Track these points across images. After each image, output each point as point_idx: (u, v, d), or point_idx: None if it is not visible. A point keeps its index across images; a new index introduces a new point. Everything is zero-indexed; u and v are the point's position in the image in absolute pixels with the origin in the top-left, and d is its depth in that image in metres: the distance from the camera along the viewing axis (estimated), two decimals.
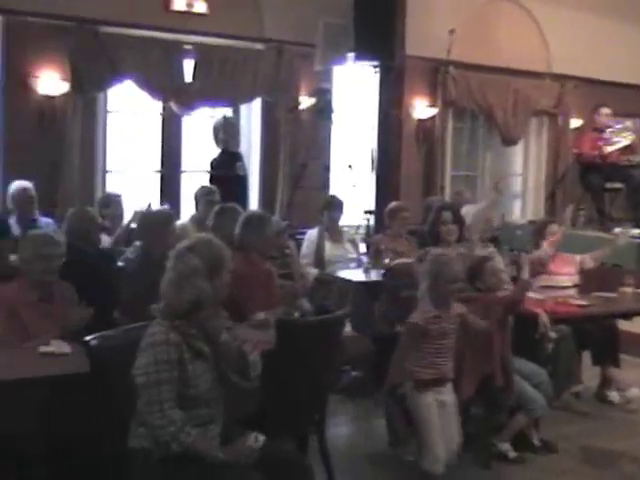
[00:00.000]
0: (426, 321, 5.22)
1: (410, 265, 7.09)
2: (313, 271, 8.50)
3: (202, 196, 8.76)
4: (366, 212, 10.82)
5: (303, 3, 11.01)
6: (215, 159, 10.28)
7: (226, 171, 9.99)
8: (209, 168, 10.24)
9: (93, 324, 5.13)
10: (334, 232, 9.09)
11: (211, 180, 9.92)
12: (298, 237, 9.21)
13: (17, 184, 8.38)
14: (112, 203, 8.56)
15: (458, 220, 7.03)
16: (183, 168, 11.24)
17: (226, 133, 10.34)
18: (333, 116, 11.34)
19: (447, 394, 5.32)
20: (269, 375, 4.27)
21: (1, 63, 9.59)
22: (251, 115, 11.52)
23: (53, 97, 9.75)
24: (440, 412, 5.21)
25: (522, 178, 14.52)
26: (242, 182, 10.33)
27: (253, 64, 11.06)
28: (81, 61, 9.82)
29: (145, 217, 6.40)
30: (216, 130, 10.38)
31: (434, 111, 12.56)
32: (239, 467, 3.77)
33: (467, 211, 8.39)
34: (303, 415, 5.20)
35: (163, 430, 3.71)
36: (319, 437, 5.29)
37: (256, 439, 3.82)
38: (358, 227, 10.69)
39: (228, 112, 11.12)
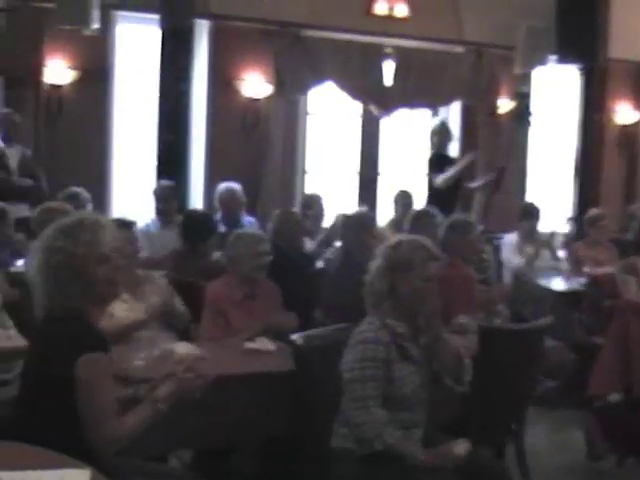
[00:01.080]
0: None
1: (613, 274, 6.93)
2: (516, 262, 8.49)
3: (399, 200, 8.84)
4: (566, 219, 10.63)
5: (503, 5, 10.86)
6: (430, 160, 10.37)
7: (436, 174, 10.02)
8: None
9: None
10: (532, 239, 8.95)
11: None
12: (495, 242, 9.12)
13: (226, 186, 8.59)
14: (314, 204, 8.69)
15: None
16: (381, 171, 11.30)
17: (441, 136, 10.36)
18: (532, 120, 11.16)
19: None
20: (470, 381, 4.25)
21: (208, 66, 9.91)
22: (449, 118, 11.47)
23: (257, 99, 10.04)
24: None
25: None
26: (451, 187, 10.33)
27: (452, 67, 11.04)
28: (284, 64, 10.06)
29: (346, 219, 6.46)
30: (432, 133, 10.44)
31: (638, 115, 12.17)
32: (440, 472, 3.76)
33: None
34: (502, 423, 5.15)
35: (366, 427, 3.73)
36: (517, 446, 5.21)
37: (462, 446, 3.80)
38: (556, 234, 10.48)
39: (441, 115, 11.17)
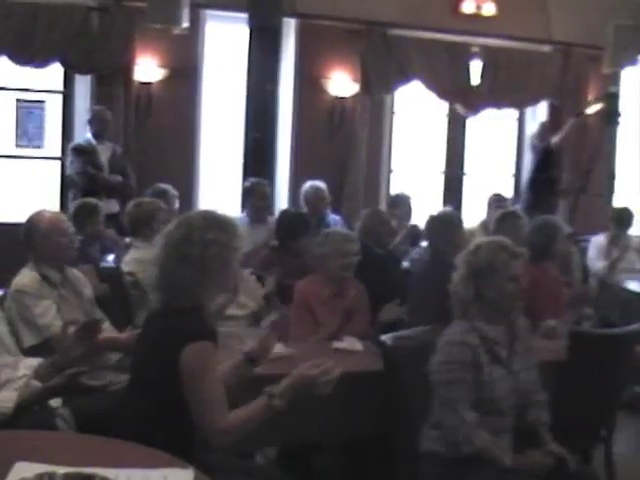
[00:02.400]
0: None
1: None
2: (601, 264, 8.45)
3: (492, 202, 8.79)
4: None
5: (592, 4, 10.72)
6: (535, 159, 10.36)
7: (541, 174, 9.98)
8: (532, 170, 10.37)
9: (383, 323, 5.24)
10: (619, 242, 8.83)
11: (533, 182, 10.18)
12: (582, 244, 9.02)
13: (311, 184, 8.63)
14: (401, 204, 8.66)
15: None
16: (467, 170, 11.26)
17: (539, 138, 10.35)
18: (620, 120, 11.01)
19: None
20: (558, 386, 4.21)
21: (294, 65, 9.97)
22: (536, 119, 11.37)
23: (343, 98, 10.07)
24: None
25: None
26: (555, 185, 10.31)
27: (540, 67, 10.96)
28: (371, 63, 10.09)
29: (434, 219, 6.43)
30: (533, 136, 10.45)
31: None
32: (529, 477, 3.72)
33: None
34: (590, 428, 5.08)
35: (455, 430, 3.71)
36: (605, 452, 5.13)
37: (550, 451, 3.77)
38: None
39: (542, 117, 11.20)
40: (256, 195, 8.14)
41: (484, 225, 8.40)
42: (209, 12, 9.73)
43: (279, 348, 4.68)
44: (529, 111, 11.43)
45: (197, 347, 3.18)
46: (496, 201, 8.80)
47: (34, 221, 4.80)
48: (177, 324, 3.27)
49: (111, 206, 8.18)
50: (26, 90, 9.65)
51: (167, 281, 3.35)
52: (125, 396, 3.51)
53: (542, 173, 10.25)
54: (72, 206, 7.10)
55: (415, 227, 8.19)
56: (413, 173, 11.05)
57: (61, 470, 2.35)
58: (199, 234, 3.32)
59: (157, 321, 3.39)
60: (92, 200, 7.06)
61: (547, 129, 10.59)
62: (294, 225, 6.60)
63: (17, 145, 9.68)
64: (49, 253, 4.75)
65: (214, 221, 3.39)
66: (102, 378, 4.53)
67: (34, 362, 4.05)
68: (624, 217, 8.97)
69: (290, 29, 9.91)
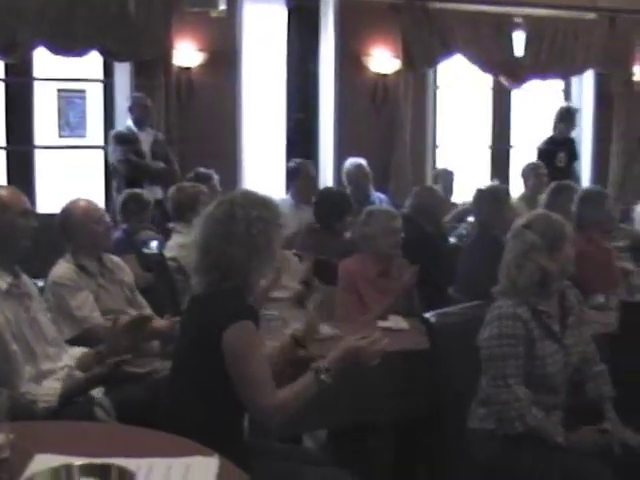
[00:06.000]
0: None
1: None
2: None
3: (530, 172, 8.54)
4: None
5: None
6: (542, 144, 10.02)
7: (548, 161, 9.64)
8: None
9: (429, 301, 5.15)
10: None
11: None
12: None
13: (351, 161, 8.60)
14: (443, 179, 8.55)
15: None
16: (513, 144, 11.11)
17: (562, 121, 10.02)
18: None
19: None
20: (611, 359, 4.10)
21: (335, 43, 9.87)
22: (582, 88, 11.20)
23: (385, 74, 9.96)
24: None
25: None
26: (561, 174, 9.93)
27: (584, 35, 10.77)
28: (412, 38, 9.98)
29: (480, 193, 6.32)
30: (556, 116, 10.11)
31: None
32: (584, 455, 3.61)
33: None
34: None
35: (508, 406, 3.61)
36: None
37: (602, 430, 3.67)
38: None
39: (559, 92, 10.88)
40: (302, 175, 8.09)
41: (525, 197, 8.16)
42: None
43: (325, 329, 4.62)
44: (575, 81, 11.22)
45: (239, 327, 3.12)
46: (532, 169, 8.51)
47: (69, 211, 4.81)
48: (217, 307, 3.21)
49: (154, 192, 8.14)
50: (66, 80, 9.65)
51: (210, 262, 3.28)
52: (168, 384, 3.46)
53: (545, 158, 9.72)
54: (121, 196, 7.06)
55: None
56: (459, 148, 10.91)
57: (78, 462, 2.30)
58: (242, 211, 3.25)
59: (198, 305, 3.34)
60: (142, 194, 6.99)
61: (564, 117, 10.11)
62: (338, 204, 6.52)
63: (60, 135, 9.70)
64: (85, 242, 4.74)
65: (256, 199, 3.34)
66: (145, 365, 4.47)
67: (77, 352, 4.03)
68: None
69: (328, 7, 9.81)
